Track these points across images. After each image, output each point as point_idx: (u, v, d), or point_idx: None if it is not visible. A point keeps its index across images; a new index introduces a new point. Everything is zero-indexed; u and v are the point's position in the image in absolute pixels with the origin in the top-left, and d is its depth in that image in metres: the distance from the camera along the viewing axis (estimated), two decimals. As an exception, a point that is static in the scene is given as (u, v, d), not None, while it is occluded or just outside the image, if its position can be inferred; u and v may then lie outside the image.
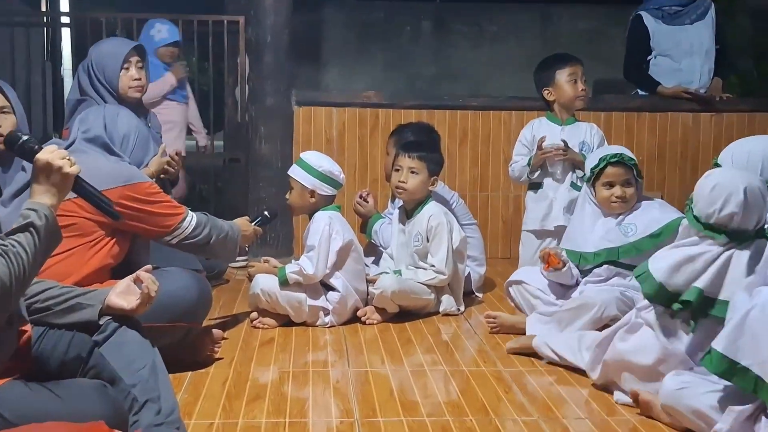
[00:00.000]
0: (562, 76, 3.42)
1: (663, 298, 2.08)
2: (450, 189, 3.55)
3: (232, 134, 4.60)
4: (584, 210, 2.90)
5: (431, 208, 3.13)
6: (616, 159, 2.75)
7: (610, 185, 2.76)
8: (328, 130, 4.28)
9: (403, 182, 3.11)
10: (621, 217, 2.79)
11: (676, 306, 2.05)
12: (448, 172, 4.11)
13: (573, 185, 3.42)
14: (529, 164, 3.42)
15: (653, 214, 2.75)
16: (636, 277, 2.17)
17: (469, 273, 3.42)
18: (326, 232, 2.90)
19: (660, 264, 2.09)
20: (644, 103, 4.40)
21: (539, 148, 3.37)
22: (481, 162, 4.35)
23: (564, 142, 3.37)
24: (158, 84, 4.16)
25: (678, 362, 2.05)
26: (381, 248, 3.37)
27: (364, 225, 3.50)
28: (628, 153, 2.81)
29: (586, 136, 3.45)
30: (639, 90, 4.51)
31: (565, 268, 2.78)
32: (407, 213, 3.21)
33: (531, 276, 2.93)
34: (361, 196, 3.47)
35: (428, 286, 3.08)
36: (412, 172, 3.11)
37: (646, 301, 2.14)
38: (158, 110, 4.13)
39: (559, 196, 3.43)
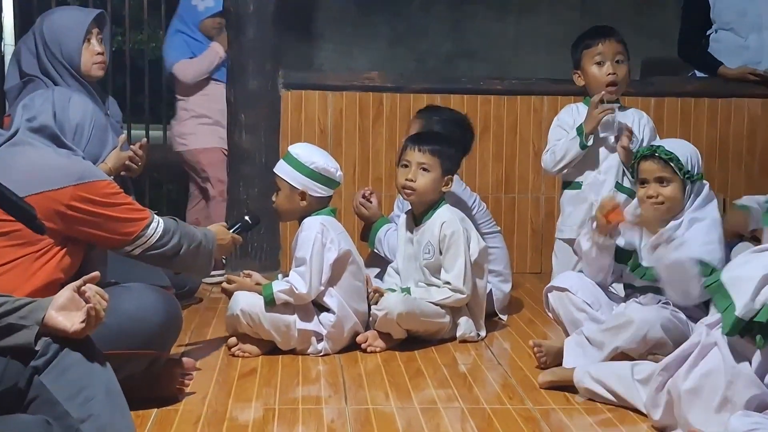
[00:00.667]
0: (588, 56, 3.40)
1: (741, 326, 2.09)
2: (471, 191, 3.56)
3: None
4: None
5: (444, 212, 3.13)
6: (648, 152, 2.73)
7: (643, 183, 2.75)
8: (322, 119, 4.29)
9: (411, 181, 3.10)
10: (660, 231, 2.71)
11: (758, 338, 2.06)
12: (466, 170, 4.13)
13: (619, 186, 3.39)
14: (580, 133, 3.36)
15: (690, 245, 2.58)
16: (706, 287, 2.18)
17: (491, 291, 3.42)
18: (319, 241, 2.91)
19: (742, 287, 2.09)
20: (703, 87, 4.40)
21: (594, 106, 3.33)
22: (506, 157, 4.36)
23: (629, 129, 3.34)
24: (206, 56, 4.20)
25: (747, 384, 2.06)
26: (387, 259, 3.38)
27: (366, 231, 3.50)
28: (678, 145, 2.74)
29: (633, 126, 3.43)
30: (696, 71, 4.51)
31: (618, 238, 2.73)
32: (415, 219, 3.20)
33: (578, 283, 2.88)
34: (363, 196, 3.47)
35: (442, 306, 3.08)
36: (423, 169, 3.10)
37: (717, 316, 2.14)
38: (204, 92, 4.17)
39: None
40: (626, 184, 3.39)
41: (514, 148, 4.36)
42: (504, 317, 3.46)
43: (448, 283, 3.06)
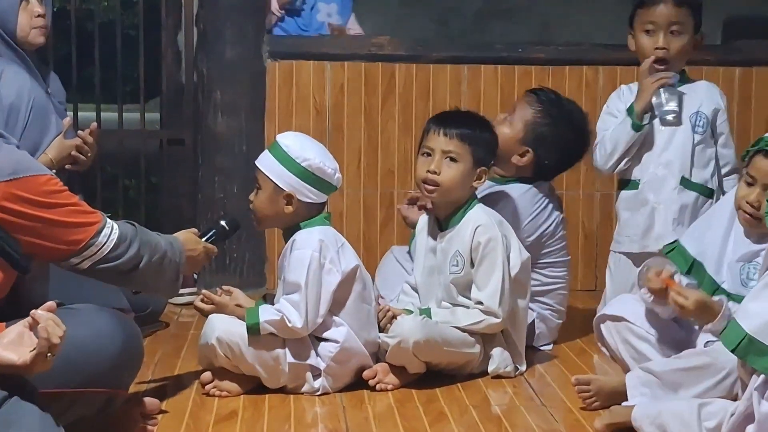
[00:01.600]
0: (639, 19, 3.40)
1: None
2: (554, 210, 3.51)
3: (172, 103, 4.63)
4: (724, 206, 2.88)
5: (478, 214, 3.13)
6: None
7: (749, 184, 2.74)
8: (318, 97, 4.30)
9: (434, 173, 3.11)
10: (759, 246, 2.71)
11: None
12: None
13: (686, 182, 3.39)
14: (630, 113, 3.37)
15: None
16: (733, 351, 2.22)
17: (533, 321, 3.41)
18: (317, 262, 2.92)
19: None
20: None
21: (646, 74, 3.35)
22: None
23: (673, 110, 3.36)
24: None
25: None
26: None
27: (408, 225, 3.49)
28: None
29: (702, 104, 3.43)
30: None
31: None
32: (439, 223, 3.21)
33: (638, 310, 2.90)
34: (410, 200, 3.47)
35: (471, 333, 3.09)
36: (449, 159, 3.11)
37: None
38: None
39: (665, 200, 3.39)
40: (696, 178, 3.38)
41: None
42: (549, 347, 3.48)
43: (479, 303, 3.08)
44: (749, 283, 2.73)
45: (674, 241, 2.98)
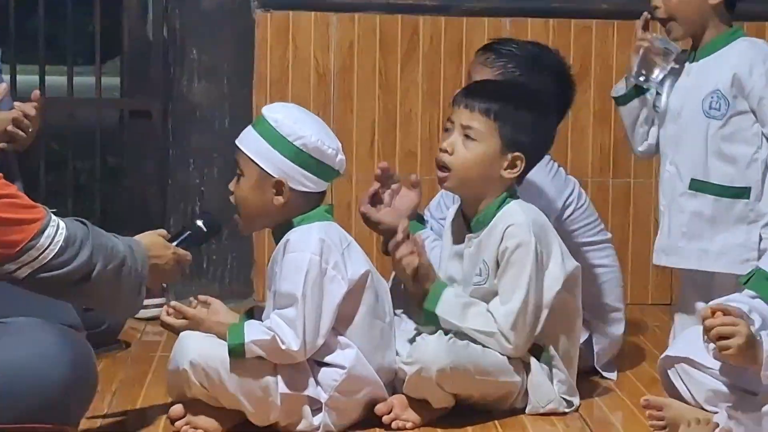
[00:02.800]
0: None
1: None
2: (566, 174, 3.58)
3: (136, 65, 4.64)
4: None
5: (513, 212, 3.11)
6: None
7: None
8: (321, 58, 4.32)
9: (446, 151, 3.13)
10: None
11: None
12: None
13: (698, 185, 3.47)
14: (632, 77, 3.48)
15: None
16: None
17: (590, 336, 3.44)
18: (317, 268, 2.91)
19: None
20: None
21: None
22: (615, 120, 4.36)
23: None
24: None
25: None
26: None
27: (387, 243, 3.46)
28: None
29: (721, 77, 3.44)
30: None
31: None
32: (467, 220, 3.22)
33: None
34: (380, 183, 3.43)
35: (509, 359, 3.09)
36: (467, 137, 3.12)
37: None
38: None
39: (673, 207, 3.52)
40: (716, 177, 3.43)
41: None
42: (612, 375, 3.50)
43: (495, 321, 3.06)
44: None
45: (753, 270, 2.96)
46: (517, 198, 3.16)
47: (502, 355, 3.07)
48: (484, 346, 3.05)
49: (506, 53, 3.44)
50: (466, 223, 3.20)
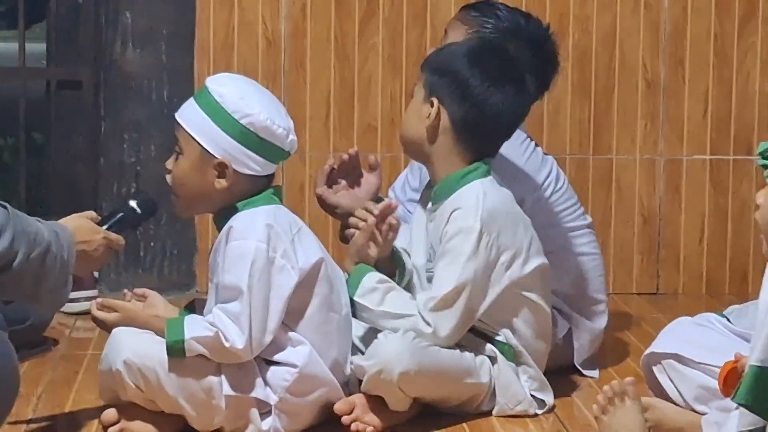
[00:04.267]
0: None
1: None
2: (543, 154, 3.59)
3: (64, 29, 4.60)
4: None
5: (468, 194, 3.13)
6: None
7: None
8: (270, 21, 4.31)
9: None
10: None
11: None
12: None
13: None
14: None
15: None
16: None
17: (569, 331, 3.45)
18: (263, 257, 2.91)
19: None
20: None
21: None
22: (595, 91, 4.41)
23: None
24: None
25: None
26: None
27: (345, 228, 3.47)
28: None
29: None
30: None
31: None
32: (431, 193, 3.26)
33: (695, 338, 2.95)
34: (334, 168, 3.42)
35: (477, 352, 3.14)
36: (412, 96, 3.25)
37: None
38: None
39: None
40: None
41: (610, 73, 4.40)
42: (592, 372, 3.51)
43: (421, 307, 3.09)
44: None
45: None
46: (488, 176, 3.17)
47: (477, 363, 3.10)
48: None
49: (488, 14, 3.46)
50: (430, 195, 3.26)
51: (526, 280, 3.16)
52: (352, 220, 3.21)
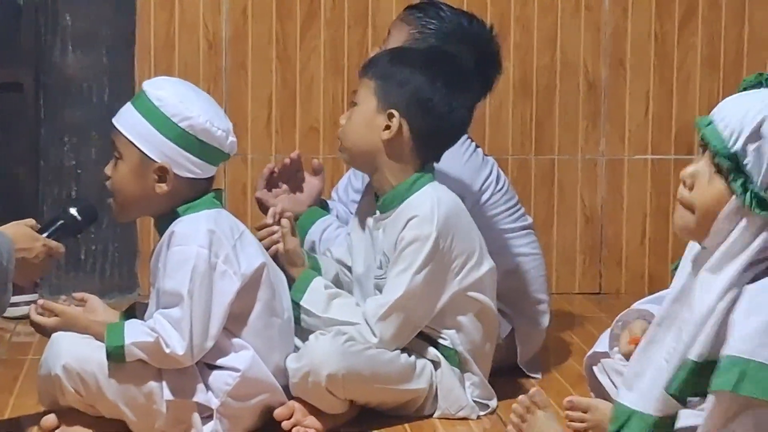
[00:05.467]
0: None
1: None
2: (484, 155, 3.59)
3: (3, 32, 4.53)
4: None
5: (422, 200, 3.13)
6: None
7: None
8: (211, 23, 4.31)
9: (341, 124, 3.23)
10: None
11: None
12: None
13: None
14: None
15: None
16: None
17: (512, 332, 3.47)
18: (205, 263, 2.91)
19: None
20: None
21: None
22: (537, 91, 4.43)
23: None
24: None
25: None
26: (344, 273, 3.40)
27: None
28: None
29: None
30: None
31: None
32: (378, 200, 3.24)
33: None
34: (274, 172, 3.46)
35: (420, 355, 3.15)
36: (353, 103, 3.22)
37: None
38: None
39: None
40: None
41: (552, 74, 4.42)
42: (535, 374, 3.53)
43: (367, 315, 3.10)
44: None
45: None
46: (432, 181, 3.18)
47: (417, 367, 3.11)
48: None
49: (431, 15, 3.45)
50: (376, 201, 3.24)
51: (476, 283, 3.16)
52: (264, 242, 3.19)
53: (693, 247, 2.61)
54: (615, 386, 2.98)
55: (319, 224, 3.44)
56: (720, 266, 2.43)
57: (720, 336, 2.39)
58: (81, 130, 4.22)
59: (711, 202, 2.39)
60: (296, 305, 3.13)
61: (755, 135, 2.36)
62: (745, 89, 2.67)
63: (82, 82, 4.22)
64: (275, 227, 3.22)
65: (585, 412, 2.87)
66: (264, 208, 3.40)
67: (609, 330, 3.05)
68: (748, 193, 2.36)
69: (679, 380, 2.43)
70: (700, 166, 2.42)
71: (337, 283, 3.24)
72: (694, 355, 2.41)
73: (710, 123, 2.41)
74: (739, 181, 2.35)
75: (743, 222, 2.39)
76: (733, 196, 2.37)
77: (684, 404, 2.46)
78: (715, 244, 2.42)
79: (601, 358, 3.01)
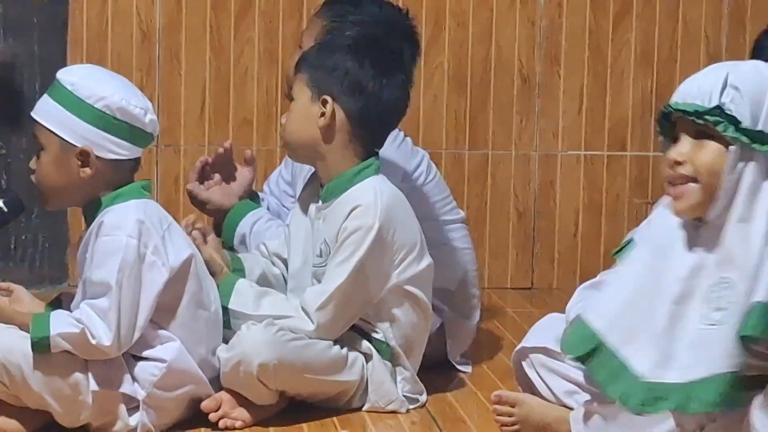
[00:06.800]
0: None
1: None
2: (413, 145, 3.62)
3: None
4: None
5: (366, 190, 3.15)
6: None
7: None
8: (145, 12, 4.30)
9: (283, 123, 3.25)
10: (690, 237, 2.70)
11: None
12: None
13: None
14: None
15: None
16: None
17: (442, 325, 3.48)
18: (133, 253, 2.91)
19: None
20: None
21: None
22: (471, 86, 4.44)
23: None
24: None
25: None
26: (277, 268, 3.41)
27: (218, 225, 3.52)
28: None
29: None
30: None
31: None
32: (321, 190, 3.25)
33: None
34: (207, 164, 3.47)
35: (352, 347, 3.16)
36: (292, 100, 3.25)
37: None
38: None
39: None
40: None
41: (487, 68, 4.43)
42: (465, 368, 3.55)
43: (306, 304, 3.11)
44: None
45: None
46: (379, 174, 3.20)
47: (348, 358, 3.13)
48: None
49: (344, 6, 3.48)
50: (320, 191, 3.24)
51: (415, 278, 3.18)
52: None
53: (655, 227, 2.70)
54: (543, 381, 3.01)
55: (249, 217, 3.45)
56: (749, 213, 2.50)
57: None
58: (10, 119, 4.18)
59: (712, 162, 2.48)
60: (225, 310, 3.12)
61: (728, 89, 2.46)
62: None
63: (16, 74, 4.18)
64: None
65: (513, 406, 2.92)
66: (194, 200, 3.42)
67: (538, 324, 3.10)
68: (744, 134, 2.46)
69: (753, 320, 2.46)
70: (684, 146, 2.51)
71: (264, 281, 3.25)
72: (761, 296, 2.46)
73: (677, 103, 2.52)
74: (731, 128, 2.45)
75: (750, 165, 2.48)
76: (731, 147, 2.46)
77: (756, 343, 2.48)
78: (727, 198, 2.49)
79: (530, 353, 3.03)
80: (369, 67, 3.17)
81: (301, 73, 3.20)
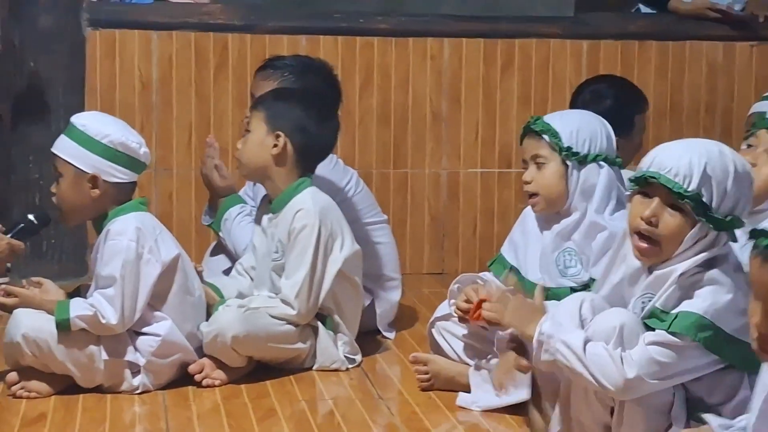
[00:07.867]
0: None
1: None
2: (346, 165, 3.62)
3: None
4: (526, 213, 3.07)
5: (304, 198, 3.16)
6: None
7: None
8: (144, 69, 4.26)
9: (238, 148, 3.24)
10: (558, 227, 2.90)
11: None
12: (342, 138, 4.13)
13: None
14: None
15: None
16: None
17: (372, 302, 3.48)
18: (133, 252, 2.92)
19: None
20: (650, 26, 4.55)
21: None
22: (395, 120, 4.42)
23: None
24: None
25: None
26: (234, 253, 3.43)
27: (213, 205, 3.54)
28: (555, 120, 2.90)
29: None
30: (642, 5, 4.65)
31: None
32: (271, 205, 3.25)
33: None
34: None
35: (296, 325, 3.13)
36: (247, 131, 3.23)
37: None
38: None
39: None
40: None
41: (405, 107, 4.42)
42: (390, 335, 3.53)
43: (282, 294, 3.09)
44: (568, 271, 2.87)
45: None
46: (310, 186, 3.20)
47: (301, 331, 3.12)
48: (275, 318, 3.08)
49: (281, 66, 3.50)
50: (269, 205, 3.25)
51: (348, 263, 3.17)
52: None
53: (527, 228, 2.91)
54: (449, 344, 3.00)
55: (236, 208, 3.49)
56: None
57: None
58: (42, 153, 4.09)
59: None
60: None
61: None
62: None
63: (44, 116, 4.10)
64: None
65: (426, 364, 2.96)
66: (210, 180, 3.54)
67: (446, 301, 3.08)
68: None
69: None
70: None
71: (240, 295, 3.22)
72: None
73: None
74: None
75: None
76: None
77: None
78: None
79: (437, 322, 3.03)
80: (314, 115, 3.21)
81: (258, 111, 3.20)
